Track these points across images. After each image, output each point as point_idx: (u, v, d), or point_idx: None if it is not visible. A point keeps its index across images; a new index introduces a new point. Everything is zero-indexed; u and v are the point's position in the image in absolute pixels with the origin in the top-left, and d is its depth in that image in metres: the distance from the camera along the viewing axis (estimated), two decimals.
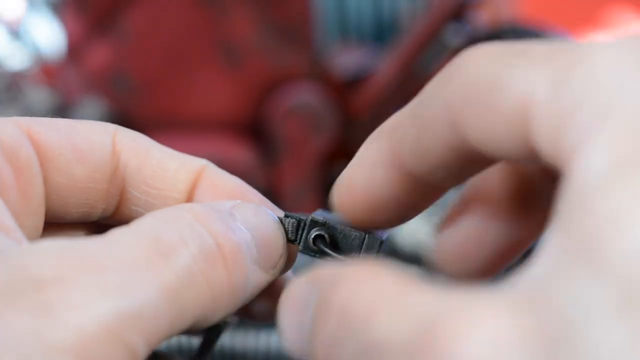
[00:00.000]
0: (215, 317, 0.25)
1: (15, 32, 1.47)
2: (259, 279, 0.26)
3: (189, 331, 0.25)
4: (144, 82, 1.25)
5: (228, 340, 0.62)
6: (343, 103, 1.27)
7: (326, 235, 0.29)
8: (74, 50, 1.28)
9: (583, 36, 1.60)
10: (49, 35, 1.44)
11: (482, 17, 1.31)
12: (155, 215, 0.25)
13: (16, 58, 1.44)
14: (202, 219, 0.25)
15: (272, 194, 1.18)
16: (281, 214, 0.29)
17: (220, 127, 1.25)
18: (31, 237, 0.26)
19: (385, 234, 0.29)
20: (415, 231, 0.84)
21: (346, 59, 1.35)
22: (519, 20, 1.47)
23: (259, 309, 0.31)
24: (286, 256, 0.28)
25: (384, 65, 1.27)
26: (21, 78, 1.38)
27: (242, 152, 1.21)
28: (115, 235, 0.23)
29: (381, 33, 1.52)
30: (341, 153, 1.25)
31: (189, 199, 0.29)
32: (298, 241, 0.29)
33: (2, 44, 1.46)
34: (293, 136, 1.22)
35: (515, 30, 1.25)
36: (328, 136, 1.24)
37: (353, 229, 0.28)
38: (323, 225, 0.28)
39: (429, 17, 1.24)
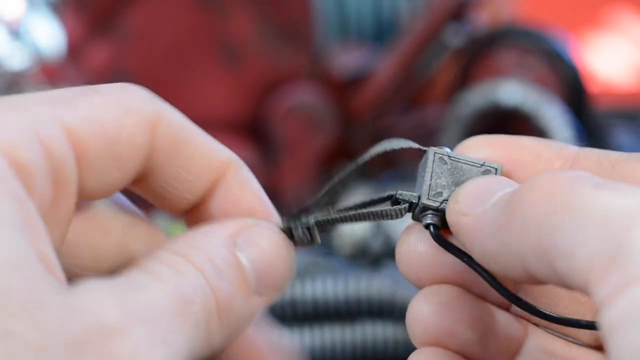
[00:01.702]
0: (208, 355, 0.26)
1: (15, 32, 1.47)
2: (258, 305, 0.27)
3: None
4: (144, 82, 1.24)
5: None
6: (343, 103, 1.27)
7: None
8: (74, 50, 1.28)
9: (583, 36, 1.60)
10: (49, 35, 1.44)
11: (482, 17, 1.31)
12: (163, 260, 0.25)
13: (16, 58, 1.44)
14: (199, 265, 0.25)
15: (272, 194, 1.18)
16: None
17: (220, 127, 1.25)
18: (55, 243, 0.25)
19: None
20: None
21: (346, 59, 1.35)
22: (519, 20, 1.47)
23: None
24: (288, 281, 0.29)
25: (384, 65, 1.27)
26: (21, 78, 1.38)
27: (242, 152, 1.21)
28: (142, 280, 0.24)
29: (381, 33, 1.52)
30: (341, 153, 1.25)
31: (205, 201, 0.29)
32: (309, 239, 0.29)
33: (2, 44, 1.46)
34: (293, 136, 1.22)
35: (515, 30, 1.25)
36: (328, 136, 1.24)
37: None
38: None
39: (429, 17, 1.24)
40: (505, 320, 0.29)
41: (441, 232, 0.28)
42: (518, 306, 0.27)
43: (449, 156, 0.29)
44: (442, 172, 0.29)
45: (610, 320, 0.20)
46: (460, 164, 0.29)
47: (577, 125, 1.12)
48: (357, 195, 1.17)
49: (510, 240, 0.24)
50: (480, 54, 1.23)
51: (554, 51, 1.18)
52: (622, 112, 1.44)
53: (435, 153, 0.29)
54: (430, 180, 0.29)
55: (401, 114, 1.31)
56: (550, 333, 0.29)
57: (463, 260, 0.27)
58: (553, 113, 1.09)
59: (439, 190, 0.29)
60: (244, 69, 1.25)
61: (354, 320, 0.63)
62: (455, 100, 1.18)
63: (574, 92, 1.17)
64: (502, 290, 0.27)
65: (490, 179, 0.27)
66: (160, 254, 0.25)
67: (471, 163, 0.29)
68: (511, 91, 1.12)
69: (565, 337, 0.30)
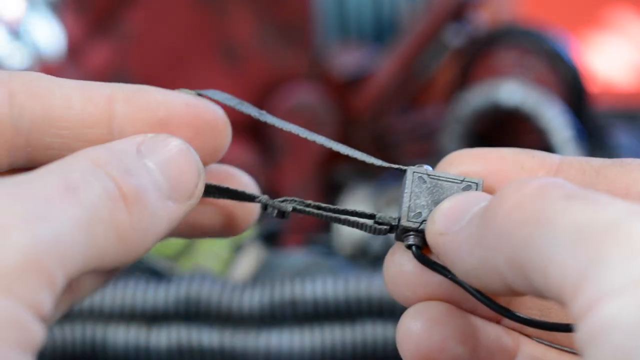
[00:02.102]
0: (130, 255, 0.26)
1: (15, 32, 1.47)
2: (174, 212, 0.27)
3: (98, 269, 0.26)
4: (144, 82, 1.24)
5: (228, 340, 0.62)
6: (343, 103, 1.27)
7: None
8: (74, 50, 1.28)
9: (583, 36, 1.60)
10: (49, 35, 1.44)
11: (482, 17, 1.31)
12: (58, 161, 0.25)
13: (16, 58, 1.44)
14: (101, 163, 0.26)
15: (272, 194, 1.18)
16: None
17: None
18: None
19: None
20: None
21: (346, 59, 1.35)
22: (519, 20, 1.47)
23: (210, 222, 0.31)
24: (204, 183, 0.29)
25: (384, 65, 1.27)
26: None
27: (242, 152, 1.21)
28: (24, 175, 0.24)
29: (381, 33, 1.52)
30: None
31: (109, 129, 0.29)
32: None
33: (2, 44, 1.46)
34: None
35: (515, 30, 1.25)
36: (328, 136, 1.23)
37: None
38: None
39: (429, 17, 1.24)
40: (496, 334, 0.29)
41: (424, 251, 0.29)
42: (506, 316, 0.28)
43: (428, 175, 0.29)
44: (421, 192, 0.29)
45: (584, 335, 0.20)
46: (440, 182, 0.29)
47: (577, 125, 1.12)
48: (358, 194, 1.17)
49: (487, 255, 0.24)
50: (480, 54, 1.23)
51: (554, 51, 1.18)
52: (622, 112, 1.44)
53: (414, 172, 0.29)
54: (409, 201, 0.29)
55: (401, 114, 1.31)
56: (542, 343, 0.30)
57: (447, 277, 0.28)
58: (553, 113, 1.09)
59: (418, 210, 0.29)
60: (244, 69, 1.25)
61: (354, 320, 0.63)
62: (455, 100, 1.18)
63: (574, 92, 1.17)
64: (488, 302, 0.27)
65: (467, 195, 0.27)
66: (65, 158, 0.26)
67: (451, 180, 0.29)
68: (511, 91, 1.12)
69: (557, 345, 0.30)
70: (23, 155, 0.28)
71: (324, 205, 0.30)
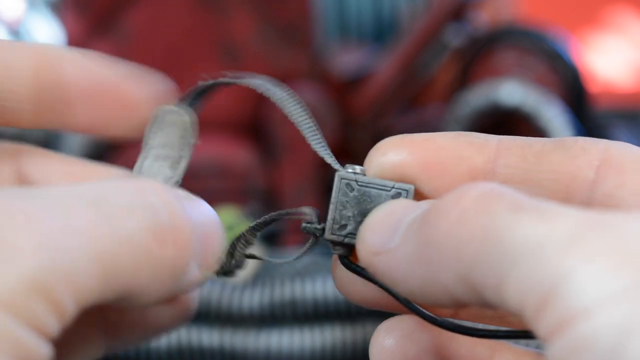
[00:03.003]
0: (151, 296, 0.25)
1: (15, 32, 1.47)
2: (194, 276, 0.26)
3: (122, 303, 0.25)
4: None
5: (228, 340, 0.62)
6: (343, 103, 1.27)
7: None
8: None
9: (583, 36, 1.60)
10: (49, 35, 1.44)
11: (482, 17, 1.31)
12: (109, 181, 0.24)
13: None
14: (159, 193, 0.24)
15: (272, 194, 1.18)
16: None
17: (220, 127, 1.25)
18: None
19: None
20: None
21: (346, 59, 1.35)
22: (519, 20, 1.47)
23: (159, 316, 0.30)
24: (219, 265, 0.28)
25: (384, 65, 1.27)
26: None
27: (242, 153, 1.21)
28: (56, 188, 0.23)
29: (381, 33, 1.52)
30: (341, 153, 1.25)
31: (44, 92, 0.28)
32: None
33: None
34: (293, 136, 1.22)
35: (515, 30, 1.25)
36: (328, 136, 1.24)
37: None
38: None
39: (429, 17, 1.24)
40: (470, 343, 0.28)
41: (353, 258, 0.28)
42: (454, 332, 0.26)
43: (357, 181, 0.28)
44: (347, 201, 0.28)
45: (558, 355, 0.19)
46: (368, 189, 0.27)
47: (577, 125, 1.12)
48: None
49: (431, 274, 0.23)
50: (480, 54, 1.23)
51: (554, 51, 1.18)
52: (622, 112, 1.44)
53: (342, 179, 0.28)
54: (335, 212, 0.28)
55: (401, 114, 1.31)
56: (517, 347, 0.29)
57: (378, 285, 0.27)
58: (553, 113, 1.09)
59: (344, 222, 0.28)
60: (244, 69, 1.25)
61: (354, 320, 0.63)
62: (455, 100, 1.18)
63: (574, 92, 1.17)
64: (424, 314, 0.26)
65: (393, 206, 0.26)
66: (105, 180, 0.25)
67: (380, 187, 0.27)
68: (511, 91, 1.12)
69: (534, 349, 0.29)
70: None
71: (255, 223, 0.29)
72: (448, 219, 0.22)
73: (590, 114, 1.20)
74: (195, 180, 1.14)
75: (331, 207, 0.28)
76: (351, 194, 0.27)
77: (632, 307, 0.18)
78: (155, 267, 0.24)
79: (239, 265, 0.29)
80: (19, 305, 0.21)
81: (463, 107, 1.16)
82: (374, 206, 0.27)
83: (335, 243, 0.27)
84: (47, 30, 1.46)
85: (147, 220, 0.23)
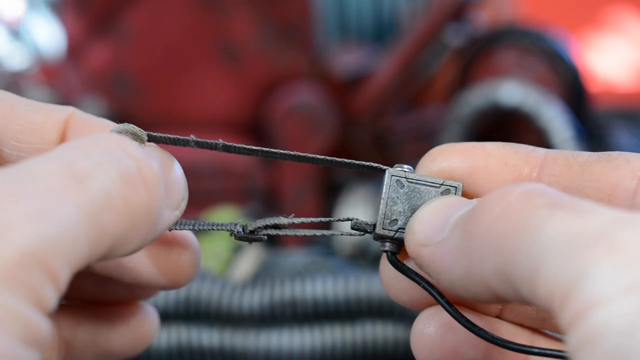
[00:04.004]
0: (133, 243, 0.25)
1: (15, 32, 1.47)
2: (168, 217, 0.27)
3: (106, 258, 0.25)
4: (144, 82, 1.25)
5: (228, 340, 0.62)
6: (343, 103, 1.27)
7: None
8: (74, 50, 1.28)
9: (583, 36, 1.60)
10: (49, 35, 1.44)
11: (482, 17, 1.31)
12: (69, 144, 0.25)
13: (16, 58, 1.44)
14: (122, 144, 0.25)
15: (272, 194, 1.18)
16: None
17: (220, 127, 1.25)
18: None
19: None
20: None
21: (346, 59, 1.35)
22: (519, 20, 1.47)
23: (152, 273, 0.31)
24: (186, 201, 0.28)
25: (384, 65, 1.27)
26: (21, 78, 1.38)
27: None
28: (27, 164, 0.23)
29: (381, 33, 1.52)
30: (341, 153, 1.25)
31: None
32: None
33: (2, 44, 1.46)
34: (293, 136, 1.22)
35: (515, 30, 1.25)
36: (328, 136, 1.24)
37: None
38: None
39: (429, 17, 1.24)
40: (509, 332, 0.29)
41: (402, 255, 0.28)
42: (484, 338, 0.27)
43: (407, 178, 0.28)
44: (398, 197, 0.28)
45: (574, 344, 0.20)
46: (418, 186, 0.28)
47: (577, 125, 1.12)
48: (357, 195, 1.17)
49: (472, 266, 0.24)
50: (480, 54, 1.23)
51: (554, 51, 1.18)
52: (622, 112, 1.44)
53: (392, 176, 0.28)
54: (385, 207, 0.28)
55: (401, 114, 1.31)
56: (556, 337, 0.29)
57: (422, 286, 0.27)
58: (553, 113, 1.09)
59: (394, 217, 0.28)
60: (244, 69, 1.25)
61: (354, 320, 0.63)
62: (455, 100, 1.18)
63: (574, 92, 1.17)
64: (462, 320, 0.26)
65: (444, 202, 0.27)
66: (78, 139, 0.25)
67: (430, 183, 0.28)
68: (511, 91, 1.12)
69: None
70: None
71: (299, 220, 0.29)
72: (491, 214, 0.23)
73: (590, 114, 1.20)
74: (195, 180, 1.14)
75: (382, 202, 0.28)
76: (401, 191, 0.28)
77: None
78: (133, 213, 0.24)
79: (258, 237, 0.29)
80: (18, 279, 0.21)
81: (463, 107, 1.16)
82: (424, 202, 0.27)
83: (385, 238, 0.28)
84: (47, 30, 1.46)
85: (116, 170, 0.24)
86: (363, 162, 0.29)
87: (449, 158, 0.29)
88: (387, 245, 0.28)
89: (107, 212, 0.23)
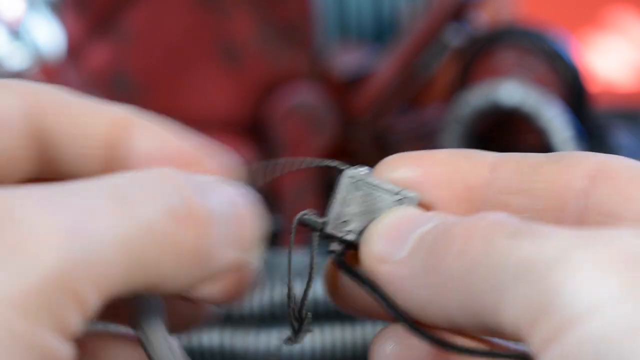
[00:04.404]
0: (177, 281, 0.24)
1: (15, 32, 1.47)
2: (227, 256, 0.26)
3: (151, 290, 0.24)
4: (144, 82, 1.25)
5: (228, 340, 0.62)
6: (343, 103, 1.27)
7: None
8: (74, 50, 1.28)
9: (583, 36, 1.60)
10: (49, 35, 1.44)
11: (482, 17, 1.31)
12: (122, 173, 0.24)
13: (16, 58, 1.44)
14: (173, 180, 0.24)
15: (272, 193, 1.18)
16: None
17: (220, 127, 1.25)
18: None
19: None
20: None
21: (346, 59, 1.35)
22: (519, 20, 1.47)
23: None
24: (263, 245, 0.28)
25: (384, 65, 1.27)
26: (21, 78, 1.38)
27: (242, 152, 1.21)
28: (76, 182, 0.23)
29: (381, 33, 1.52)
30: (341, 153, 1.25)
31: (114, 158, 0.28)
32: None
33: (2, 44, 1.46)
34: (293, 136, 1.22)
35: (515, 30, 1.25)
36: (328, 136, 1.24)
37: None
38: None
39: (429, 17, 1.24)
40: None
41: (347, 258, 0.28)
42: (439, 348, 0.26)
43: (364, 182, 0.28)
44: (352, 199, 0.28)
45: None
46: (373, 191, 0.28)
47: (577, 125, 1.12)
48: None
49: (434, 299, 0.24)
50: (480, 54, 1.23)
51: (554, 51, 1.18)
52: (622, 112, 1.44)
53: (349, 177, 0.28)
54: (338, 207, 0.28)
55: (401, 114, 1.31)
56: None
57: (368, 290, 0.27)
58: (553, 113, 1.09)
59: (346, 219, 0.28)
60: (244, 69, 1.25)
61: (354, 320, 0.63)
62: (455, 100, 1.18)
63: (574, 92, 1.17)
64: (416, 331, 0.26)
65: (403, 215, 0.26)
66: (140, 170, 0.25)
67: (386, 190, 0.28)
68: (511, 91, 1.12)
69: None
70: (41, 167, 0.27)
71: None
72: (455, 247, 0.23)
73: (590, 114, 1.20)
74: None
75: (335, 202, 0.28)
76: (356, 193, 0.27)
77: (615, 315, 0.19)
78: (177, 251, 0.23)
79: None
80: (40, 304, 0.20)
81: (463, 107, 1.16)
82: (378, 208, 0.27)
83: (333, 238, 0.27)
84: (47, 30, 1.46)
85: (162, 204, 0.23)
86: (322, 161, 0.29)
87: (400, 168, 0.28)
88: (334, 246, 0.28)
89: (148, 245, 0.22)
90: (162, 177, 0.24)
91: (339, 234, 0.27)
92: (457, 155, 0.28)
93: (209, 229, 0.24)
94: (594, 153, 0.26)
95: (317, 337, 0.63)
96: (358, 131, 1.27)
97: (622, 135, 1.27)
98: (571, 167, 0.26)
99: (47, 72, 1.40)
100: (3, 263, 0.20)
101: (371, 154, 1.28)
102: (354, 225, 0.27)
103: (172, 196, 0.24)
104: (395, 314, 0.26)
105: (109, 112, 0.28)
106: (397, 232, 0.25)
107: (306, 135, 1.22)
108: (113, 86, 1.25)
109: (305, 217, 0.28)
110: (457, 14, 1.22)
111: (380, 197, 0.27)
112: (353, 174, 0.28)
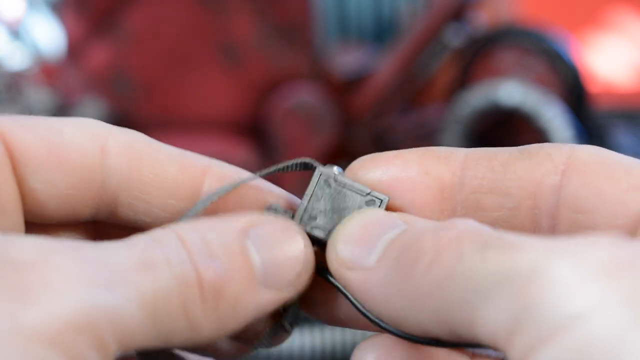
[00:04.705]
0: (203, 340, 0.25)
1: (15, 32, 1.47)
2: (265, 299, 0.26)
3: (172, 346, 0.25)
4: (144, 82, 1.25)
5: None
6: (343, 103, 1.27)
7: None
8: (74, 50, 1.28)
9: (583, 36, 1.60)
10: (49, 35, 1.44)
11: (482, 17, 1.31)
12: (148, 233, 0.25)
13: (16, 58, 1.44)
14: (188, 245, 0.25)
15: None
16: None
17: (220, 127, 1.25)
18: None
19: None
20: None
21: (346, 59, 1.35)
22: (519, 20, 1.47)
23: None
24: (309, 274, 0.27)
25: (384, 65, 1.27)
26: (21, 78, 1.38)
27: (242, 152, 1.21)
28: (105, 242, 0.24)
29: (381, 33, 1.52)
30: (341, 153, 1.25)
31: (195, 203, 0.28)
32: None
33: (2, 44, 1.46)
34: (293, 136, 1.22)
35: (515, 30, 1.25)
36: (328, 136, 1.24)
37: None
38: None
39: (429, 17, 1.24)
40: (448, 355, 0.28)
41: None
42: (411, 341, 0.26)
43: (335, 180, 0.28)
44: (322, 196, 0.28)
45: None
46: (344, 190, 0.28)
47: (577, 125, 1.12)
48: None
49: (407, 310, 0.23)
50: (480, 54, 1.23)
51: (554, 51, 1.18)
52: (622, 112, 1.44)
53: (321, 174, 0.28)
54: (308, 202, 0.28)
55: (401, 114, 1.31)
56: (495, 354, 0.29)
57: (339, 290, 0.26)
58: (553, 113, 1.09)
59: (314, 214, 0.28)
60: (244, 69, 1.25)
61: None
62: (455, 100, 1.18)
63: (574, 92, 1.17)
64: (380, 325, 0.26)
65: (370, 218, 0.26)
66: (158, 230, 0.25)
67: (356, 190, 0.28)
68: (511, 91, 1.12)
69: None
70: (106, 210, 0.28)
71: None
72: (426, 259, 0.23)
73: (590, 114, 1.20)
74: None
75: (305, 197, 0.28)
76: (327, 190, 0.28)
77: (595, 323, 0.19)
78: (191, 315, 0.24)
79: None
80: (65, 341, 0.21)
81: (463, 107, 1.16)
82: (347, 206, 0.27)
83: None
84: (47, 30, 1.46)
85: (175, 272, 0.24)
86: (295, 161, 0.29)
87: (372, 170, 0.28)
88: None
89: (165, 309, 0.23)
90: (180, 239, 0.25)
91: (305, 228, 0.27)
92: (428, 156, 0.28)
93: (216, 296, 0.25)
94: (564, 144, 0.26)
95: (316, 337, 0.63)
96: (358, 131, 1.27)
97: (622, 135, 1.27)
98: (542, 163, 0.26)
99: (47, 72, 1.40)
100: (34, 300, 0.21)
101: (371, 153, 1.28)
102: (321, 221, 0.27)
103: (185, 263, 0.24)
104: (363, 312, 0.26)
105: (191, 167, 0.28)
106: (365, 237, 0.25)
107: (306, 135, 1.22)
108: (113, 86, 1.25)
109: (273, 207, 0.28)
110: (457, 14, 1.22)
111: (350, 195, 0.28)
112: (326, 171, 0.28)
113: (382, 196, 0.27)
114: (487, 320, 0.21)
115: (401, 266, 0.23)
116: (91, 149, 0.27)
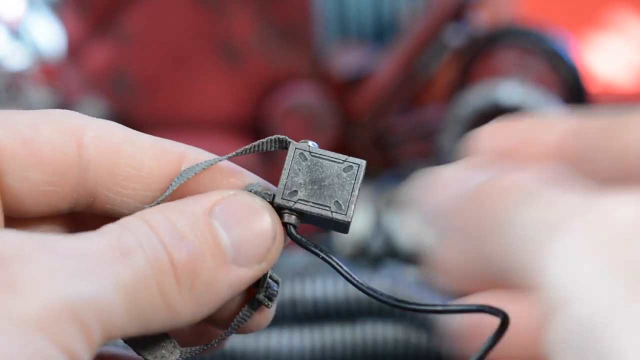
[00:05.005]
0: (183, 321, 0.25)
1: (15, 32, 1.47)
2: (237, 276, 0.26)
3: (155, 330, 0.25)
4: (144, 82, 1.25)
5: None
6: (343, 103, 1.27)
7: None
8: (74, 50, 1.28)
9: (583, 36, 1.60)
10: (49, 35, 1.44)
11: (482, 17, 1.31)
12: (119, 222, 0.25)
13: (16, 58, 1.44)
14: (157, 228, 0.25)
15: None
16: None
17: (220, 126, 1.25)
18: None
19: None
20: (416, 231, 0.84)
21: (346, 59, 1.35)
22: (519, 20, 1.47)
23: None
24: (280, 247, 0.27)
25: (384, 65, 1.27)
26: (21, 78, 1.38)
27: None
28: (80, 234, 0.24)
29: (381, 33, 1.52)
30: (341, 153, 1.25)
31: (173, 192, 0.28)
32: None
33: (2, 44, 1.46)
34: (293, 136, 1.22)
35: (515, 30, 1.25)
36: (328, 136, 1.24)
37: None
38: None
39: (429, 17, 1.24)
40: None
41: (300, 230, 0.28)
42: (398, 308, 0.27)
43: (310, 152, 0.28)
44: (300, 169, 0.28)
45: (550, 345, 0.20)
46: (320, 160, 0.28)
47: None
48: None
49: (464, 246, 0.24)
50: (480, 54, 1.23)
51: (554, 51, 1.18)
52: (622, 112, 1.44)
53: (296, 148, 0.29)
54: (287, 178, 0.28)
55: (401, 114, 1.31)
56: None
57: (320, 257, 0.27)
58: (553, 113, 1.09)
59: (295, 188, 0.28)
60: (244, 69, 1.25)
61: (354, 320, 0.63)
62: (455, 100, 1.18)
63: (574, 92, 1.17)
64: (366, 291, 0.26)
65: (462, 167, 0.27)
66: (126, 218, 0.26)
67: (333, 159, 0.28)
68: (511, 91, 1.12)
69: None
70: (85, 202, 0.28)
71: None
72: (476, 204, 0.23)
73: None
74: None
75: (283, 173, 0.28)
76: (304, 163, 0.28)
77: (599, 300, 0.19)
78: (168, 297, 0.24)
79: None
80: (53, 327, 0.21)
81: (463, 107, 1.16)
82: (326, 176, 0.28)
83: (283, 208, 0.28)
84: (47, 30, 1.46)
85: (148, 255, 0.24)
86: (269, 138, 0.29)
87: (490, 139, 0.29)
88: (287, 217, 0.28)
89: (143, 293, 0.24)
90: (148, 224, 0.25)
91: (289, 204, 0.27)
92: (535, 122, 0.29)
93: (190, 276, 0.25)
94: None
95: (317, 337, 0.63)
96: (358, 131, 1.27)
97: None
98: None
99: (47, 72, 1.40)
100: (22, 291, 0.22)
101: (371, 153, 1.29)
102: (302, 194, 0.27)
103: (157, 246, 0.25)
104: (343, 273, 0.28)
105: (166, 157, 0.28)
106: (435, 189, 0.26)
107: (306, 135, 1.22)
108: (113, 86, 1.25)
109: (253, 189, 0.28)
110: (457, 14, 1.22)
111: (327, 164, 0.28)
112: (299, 145, 0.28)
113: (358, 161, 0.28)
114: (520, 273, 0.21)
115: (460, 211, 0.24)
116: (67, 143, 0.27)
